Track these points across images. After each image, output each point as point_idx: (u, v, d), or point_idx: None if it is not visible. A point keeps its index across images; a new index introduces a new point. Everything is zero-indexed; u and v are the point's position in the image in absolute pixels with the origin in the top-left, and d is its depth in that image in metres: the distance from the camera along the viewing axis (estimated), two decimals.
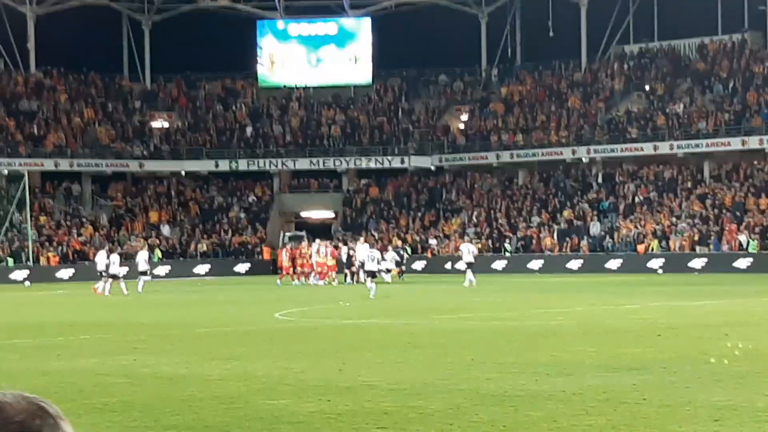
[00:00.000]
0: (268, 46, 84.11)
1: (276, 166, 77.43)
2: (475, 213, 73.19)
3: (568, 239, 67.62)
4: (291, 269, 55.89)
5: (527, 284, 50.09)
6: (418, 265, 66.42)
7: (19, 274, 62.37)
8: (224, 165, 76.87)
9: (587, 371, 17.00)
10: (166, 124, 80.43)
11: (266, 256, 71.01)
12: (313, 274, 54.90)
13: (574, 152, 72.53)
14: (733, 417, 12.88)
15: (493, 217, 72.23)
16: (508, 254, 67.68)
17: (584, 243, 67.04)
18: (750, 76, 72.55)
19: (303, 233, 68.23)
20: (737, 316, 28.30)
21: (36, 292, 51.50)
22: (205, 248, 71.35)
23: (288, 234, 69.18)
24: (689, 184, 69.59)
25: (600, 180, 72.94)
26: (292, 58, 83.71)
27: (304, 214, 78.75)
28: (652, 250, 64.36)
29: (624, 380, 15.96)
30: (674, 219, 66.37)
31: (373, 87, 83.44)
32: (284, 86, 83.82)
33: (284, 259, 56.63)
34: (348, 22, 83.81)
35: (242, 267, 69.79)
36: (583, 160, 72.65)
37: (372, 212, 76.03)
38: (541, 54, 79.90)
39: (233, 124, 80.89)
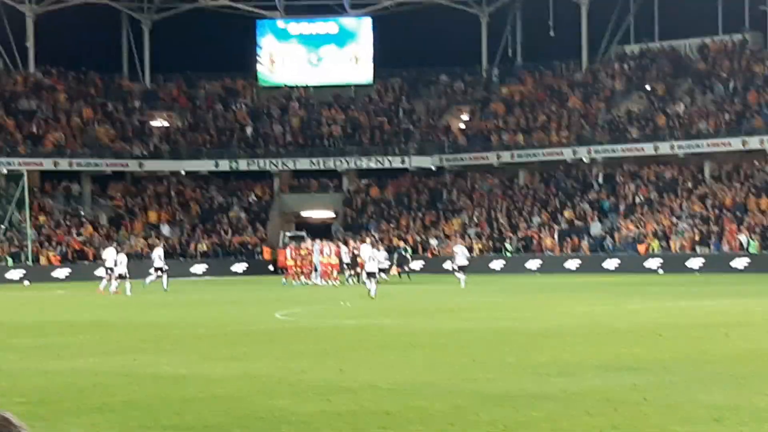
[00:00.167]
0: (268, 46, 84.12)
1: (276, 166, 77.42)
2: (476, 213, 73.21)
3: (568, 239, 67.67)
4: (294, 268, 55.96)
5: (526, 284, 50.09)
6: (417, 265, 66.42)
7: (15, 274, 62.42)
8: (224, 165, 76.86)
9: (588, 371, 17.01)
10: (165, 124, 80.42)
11: (266, 256, 71.05)
12: (315, 273, 54.89)
13: (574, 152, 72.53)
14: (734, 417, 12.90)
15: (493, 217, 72.24)
16: (508, 255, 67.72)
17: (585, 243, 67.08)
18: (751, 76, 72.54)
19: (303, 233, 68.26)
20: (737, 316, 28.32)
21: (35, 292, 51.50)
22: (205, 248, 71.39)
23: (288, 234, 69.29)
24: (690, 185, 69.60)
25: (600, 180, 72.94)
26: (292, 58, 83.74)
27: (304, 214, 78.74)
28: (653, 250, 64.40)
29: (625, 380, 15.98)
30: (675, 219, 66.41)
31: (374, 87, 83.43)
32: (284, 86, 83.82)
33: (288, 258, 56.65)
34: (348, 21, 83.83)
35: (240, 266, 69.86)
36: (584, 160, 72.66)
37: (372, 212, 76.04)
38: (542, 54, 79.91)
39: (233, 124, 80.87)
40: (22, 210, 67.35)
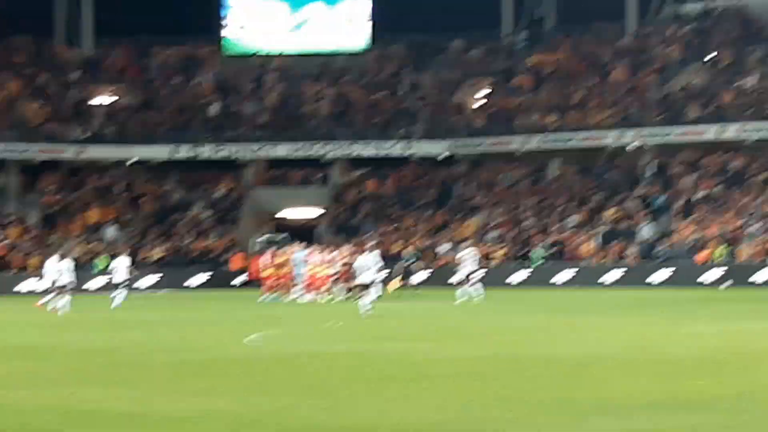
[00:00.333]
0: (238, 4, 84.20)
1: (248, 153, 77.51)
2: (496, 212, 73.33)
3: (610, 245, 67.80)
4: (271, 280, 56.00)
5: (558, 301, 50.20)
6: (422, 275, 66.53)
7: None
8: (184, 152, 76.98)
9: (636, 410, 17.07)
10: (111, 101, 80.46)
11: (235, 265, 71.12)
12: (299, 286, 54.93)
13: (619, 137, 72.67)
14: None
15: (518, 217, 72.36)
16: (536, 264, 67.81)
17: (631, 250, 67.18)
18: None
19: (284, 235, 68.34)
20: None
21: None
22: (159, 255, 71.45)
23: (265, 237, 69.38)
24: (762, 177, 69.75)
25: (652, 171, 73.06)
26: (268, 19, 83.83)
27: (282, 213, 78.87)
28: (714, 259, 64.47)
29: (681, 421, 16.03)
30: (743, 220, 66.53)
31: (371, 55, 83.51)
32: (258, 53, 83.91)
33: (264, 268, 56.67)
34: None
35: (201, 278, 69.98)
36: (631, 146, 72.78)
37: (367, 211, 76.13)
38: (579, 15, 79.96)
39: (195, 101, 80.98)
40: None
